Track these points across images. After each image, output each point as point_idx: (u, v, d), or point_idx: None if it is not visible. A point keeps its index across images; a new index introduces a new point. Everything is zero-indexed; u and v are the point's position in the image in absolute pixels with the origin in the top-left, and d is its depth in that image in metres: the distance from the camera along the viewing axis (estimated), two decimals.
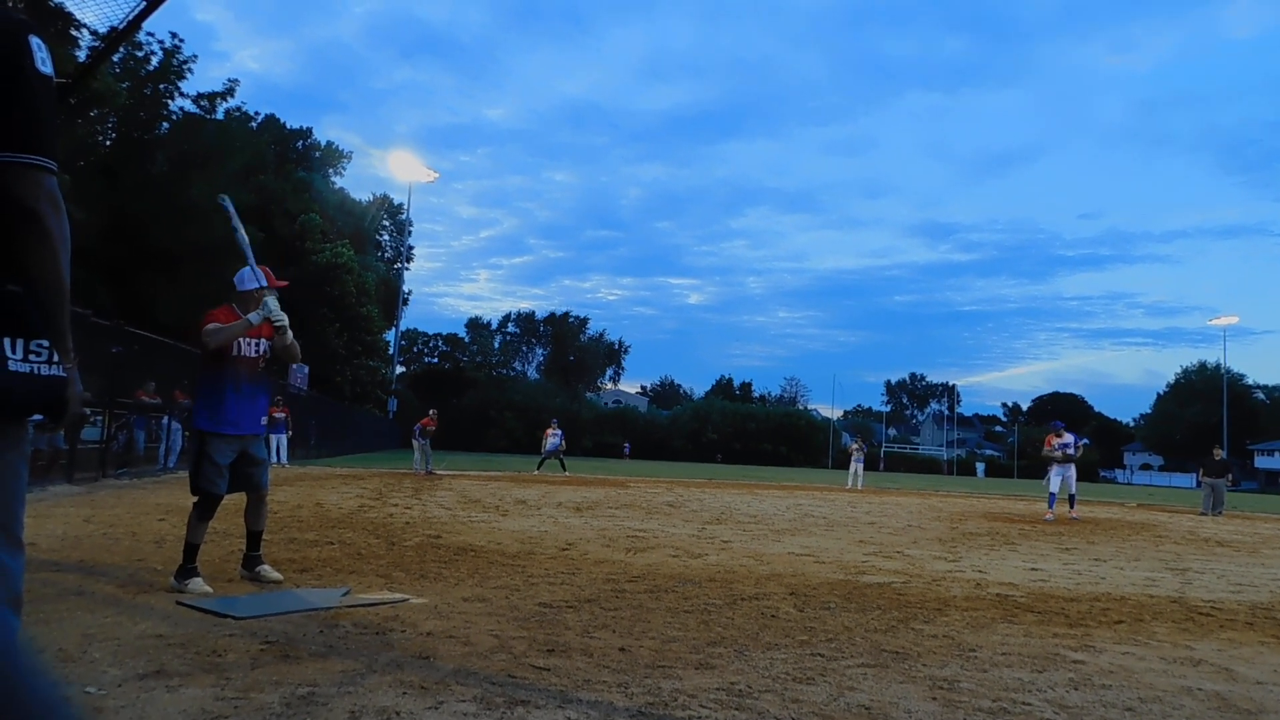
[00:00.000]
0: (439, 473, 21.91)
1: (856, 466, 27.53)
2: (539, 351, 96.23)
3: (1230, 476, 21.74)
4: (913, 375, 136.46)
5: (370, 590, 5.21)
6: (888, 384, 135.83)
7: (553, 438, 26.23)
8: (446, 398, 66.37)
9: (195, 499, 5.15)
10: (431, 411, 22.65)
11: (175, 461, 16.77)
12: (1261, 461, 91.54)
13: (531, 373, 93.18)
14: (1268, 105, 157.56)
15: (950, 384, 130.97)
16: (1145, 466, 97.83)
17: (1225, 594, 6.92)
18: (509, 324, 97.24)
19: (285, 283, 5.53)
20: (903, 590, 6.29)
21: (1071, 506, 16.19)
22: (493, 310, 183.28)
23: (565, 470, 25.70)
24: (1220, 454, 21.33)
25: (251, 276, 5.26)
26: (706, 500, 16.34)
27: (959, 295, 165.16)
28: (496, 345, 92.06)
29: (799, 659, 3.97)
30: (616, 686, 3.35)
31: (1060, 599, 6.23)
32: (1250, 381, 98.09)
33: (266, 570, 5.40)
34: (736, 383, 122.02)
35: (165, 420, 17.17)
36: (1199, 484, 22.12)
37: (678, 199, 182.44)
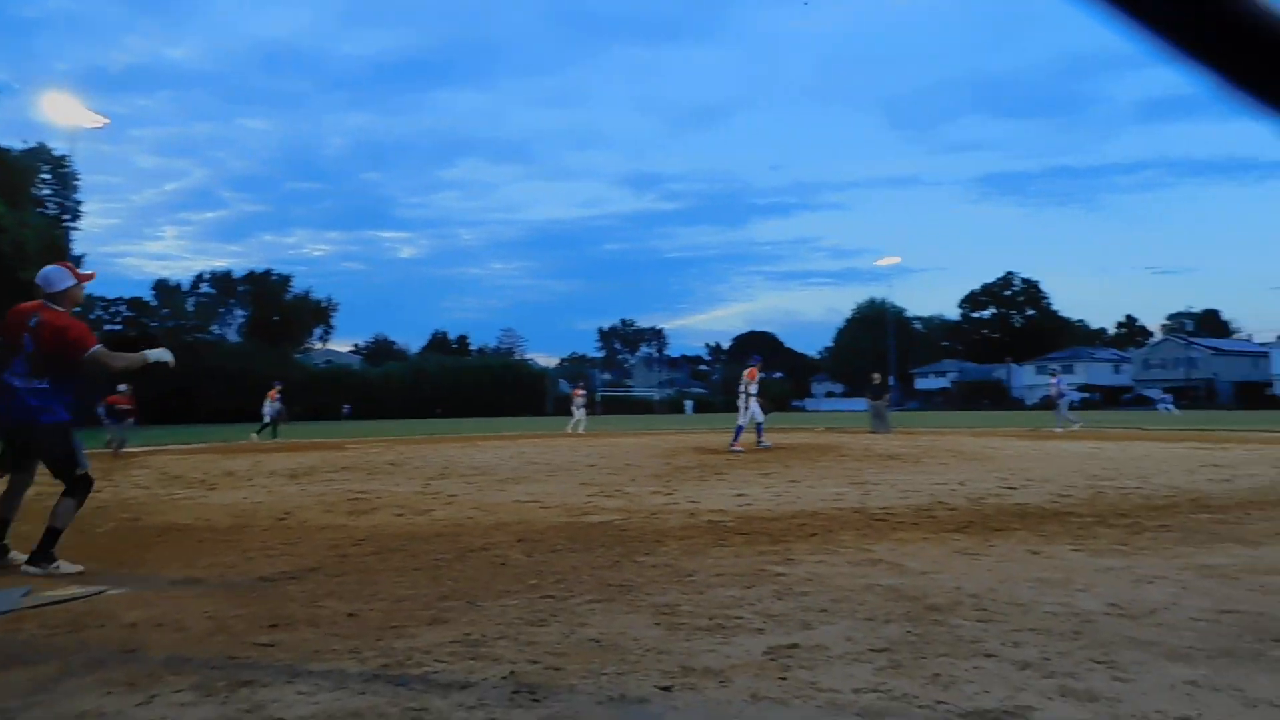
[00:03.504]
0: (126, 451, 19.41)
1: (578, 413, 28.38)
2: (239, 313, 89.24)
3: (886, 397, 24.61)
4: (624, 320, 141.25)
5: (58, 587, 4.70)
6: (600, 330, 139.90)
7: (274, 402, 24.77)
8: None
9: (79, 485, 5.26)
10: (121, 388, 19.24)
11: None
12: (921, 383, 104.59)
13: (232, 336, 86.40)
14: (924, 71, 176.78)
15: (658, 328, 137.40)
16: (830, 394, 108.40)
17: (896, 500, 7.92)
18: (202, 284, 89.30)
19: (93, 274, 5.70)
20: (624, 526, 6.63)
21: (735, 438, 16.81)
22: (184, 270, 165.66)
23: (276, 436, 24.16)
24: (876, 378, 24.04)
25: (64, 274, 5.37)
26: (429, 456, 16.14)
27: (665, 243, 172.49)
28: (190, 308, 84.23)
29: (530, 603, 4.09)
30: (348, 653, 3.30)
31: (763, 520, 6.85)
32: (910, 314, 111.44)
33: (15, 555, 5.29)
34: (453, 336, 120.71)
35: None
36: (868, 407, 24.90)
37: (386, 149, 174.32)
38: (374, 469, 13.07)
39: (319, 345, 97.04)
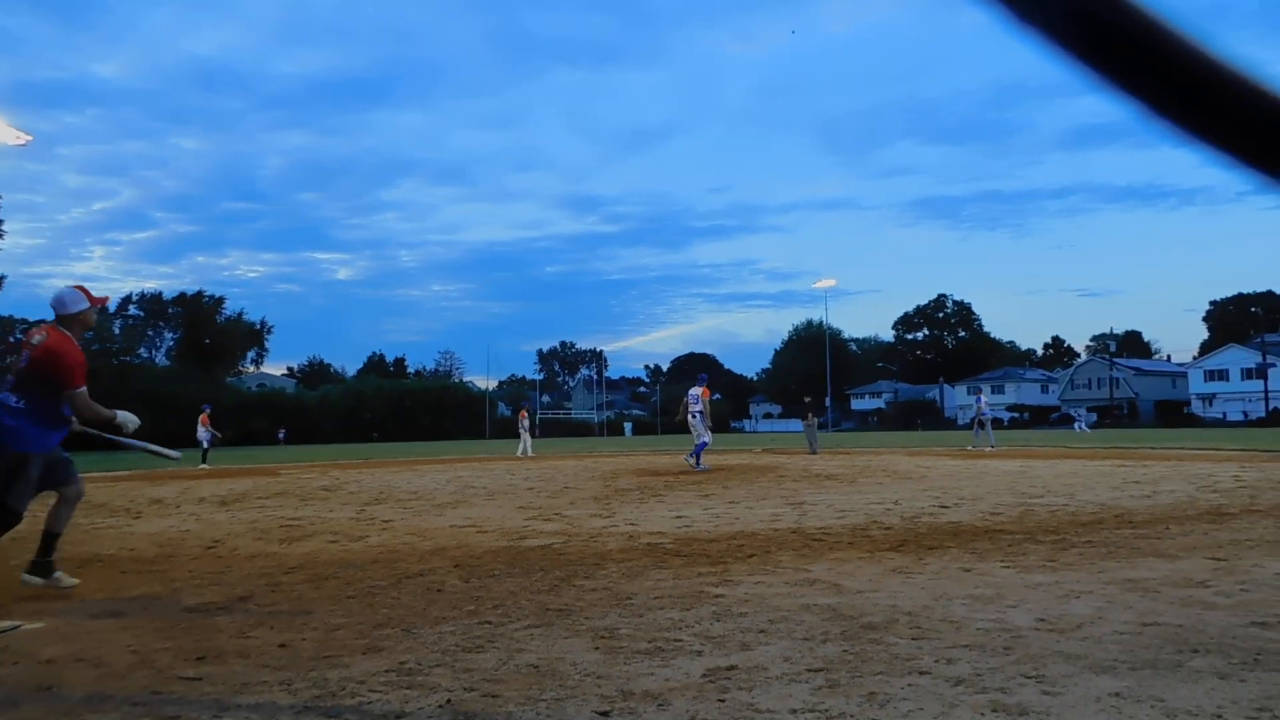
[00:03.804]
0: None
1: (525, 435, 28.33)
2: (169, 335, 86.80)
3: (813, 418, 25.26)
4: (563, 343, 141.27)
5: None
6: (540, 352, 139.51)
7: (207, 427, 24.05)
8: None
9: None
10: None
11: None
12: (857, 404, 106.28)
13: (161, 359, 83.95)
14: (858, 96, 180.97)
15: (599, 350, 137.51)
16: (768, 415, 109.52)
17: (832, 520, 8.00)
18: (131, 306, 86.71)
19: (106, 297, 5.64)
20: (563, 550, 6.59)
21: (697, 457, 16.77)
22: (112, 291, 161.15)
23: (204, 464, 23.37)
24: (808, 400, 24.85)
25: (78, 297, 5.30)
26: (365, 481, 15.87)
27: (606, 265, 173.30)
28: (117, 330, 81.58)
29: (468, 629, 4.04)
30: (279, 685, 3.21)
31: (702, 541, 6.87)
32: (846, 336, 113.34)
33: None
34: (390, 358, 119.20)
35: None
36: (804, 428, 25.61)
37: (324, 170, 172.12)
38: (308, 494, 12.81)
39: (252, 368, 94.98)
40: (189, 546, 7.31)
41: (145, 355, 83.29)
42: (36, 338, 5.21)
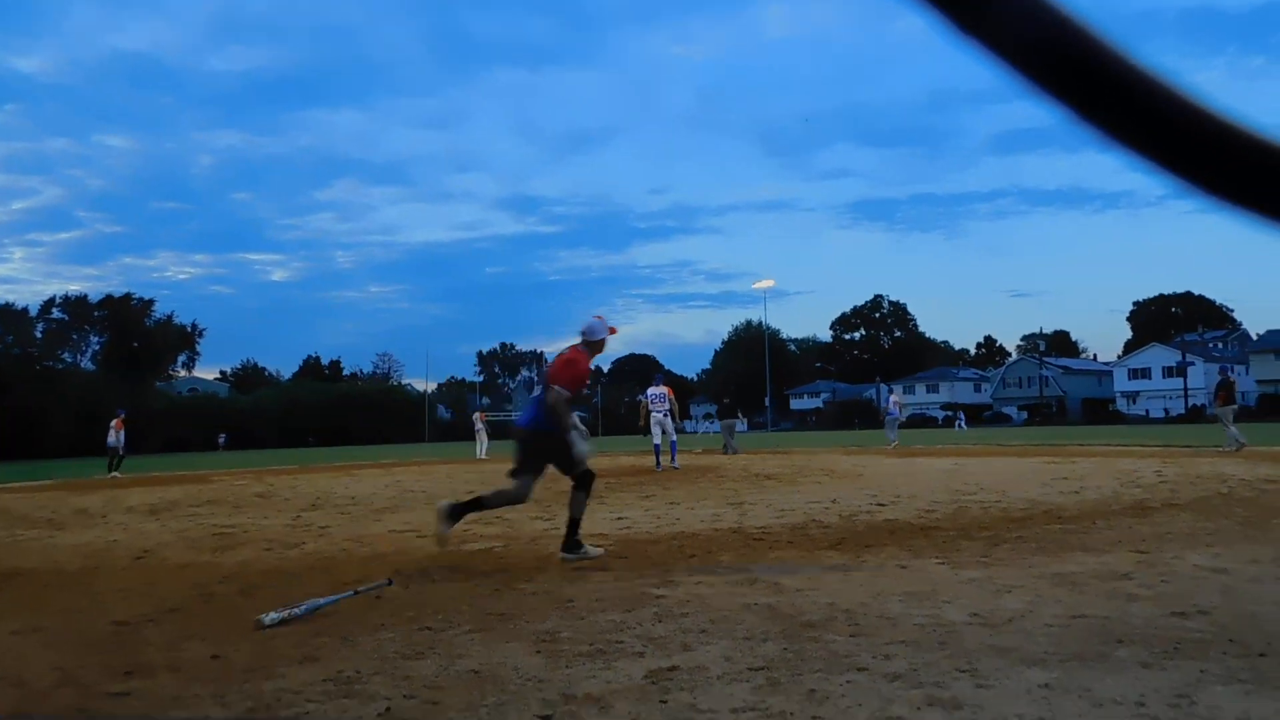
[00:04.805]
0: None
1: (482, 437, 28.26)
2: (94, 340, 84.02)
3: (730, 421, 25.66)
4: (503, 344, 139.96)
5: None
6: (480, 354, 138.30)
7: (120, 432, 23.13)
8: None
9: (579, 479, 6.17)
10: None
11: None
12: (796, 404, 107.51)
13: (87, 364, 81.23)
14: (797, 100, 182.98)
15: (539, 351, 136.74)
16: (708, 416, 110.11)
17: (772, 520, 8.09)
18: (53, 309, 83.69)
19: (615, 329, 6.48)
20: (504, 554, 6.56)
21: (673, 455, 17.35)
22: (33, 295, 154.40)
23: (116, 471, 22.01)
24: (726, 400, 25.39)
25: (602, 328, 6.36)
26: (300, 487, 15.57)
27: (545, 266, 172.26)
28: (39, 334, 78.68)
29: (407, 635, 3.99)
30: (211, 698, 3.14)
31: (644, 543, 6.88)
32: (785, 336, 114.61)
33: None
34: (325, 361, 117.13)
35: None
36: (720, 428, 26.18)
37: (257, 169, 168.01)
38: (241, 502, 12.52)
39: (182, 372, 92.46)
40: (116, 557, 7.09)
41: (70, 360, 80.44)
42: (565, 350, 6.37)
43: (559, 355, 6.36)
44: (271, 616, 4.26)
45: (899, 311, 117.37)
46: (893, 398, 28.51)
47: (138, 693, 3.24)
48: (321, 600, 4.56)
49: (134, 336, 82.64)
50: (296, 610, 4.38)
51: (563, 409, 6.03)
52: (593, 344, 6.38)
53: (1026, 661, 3.28)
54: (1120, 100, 0.47)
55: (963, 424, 65.80)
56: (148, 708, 3.06)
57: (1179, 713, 2.70)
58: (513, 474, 6.17)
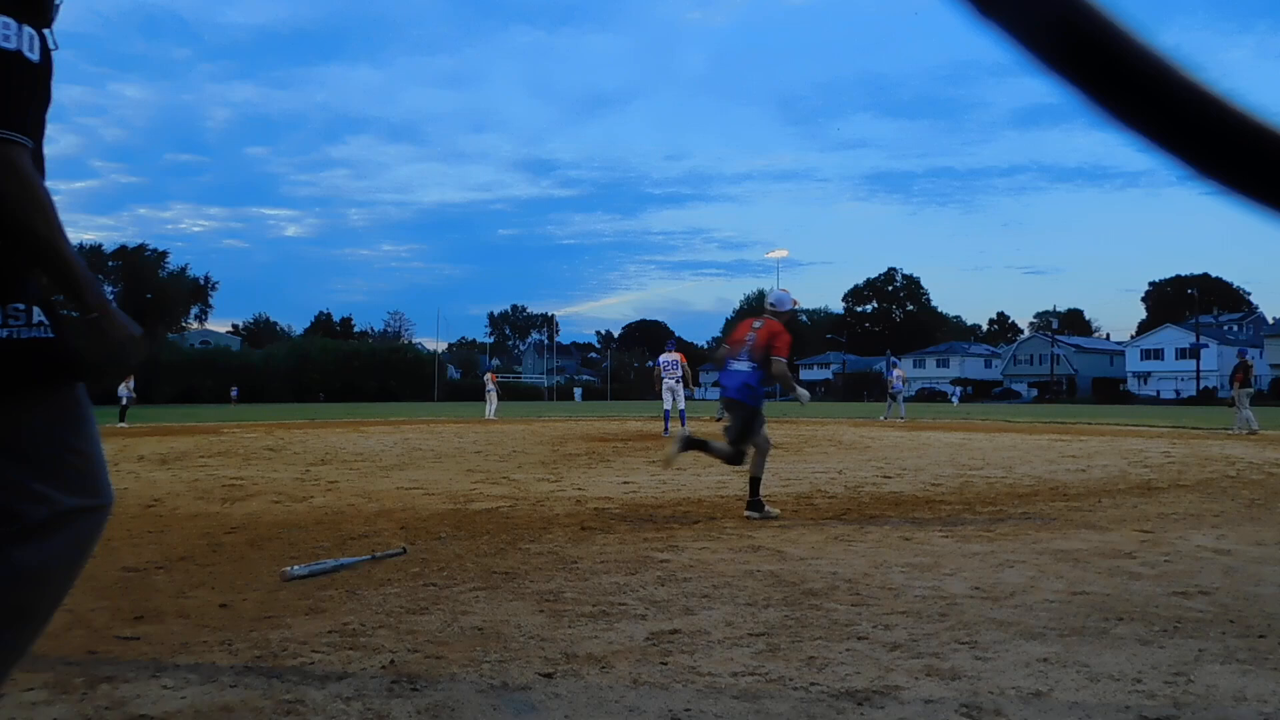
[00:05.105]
0: None
1: (493, 398, 28.24)
2: (109, 289, 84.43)
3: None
4: (514, 306, 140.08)
5: None
6: (491, 315, 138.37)
7: (129, 384, 23.32)
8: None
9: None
10: None
11: None
12: (805, 374, 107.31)
13: None
14: (816, 68, 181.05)
15: (550, 314, 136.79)
16: (716, 384, 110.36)
17: (777, 489, 8.10)
18: None
19: (797, 300, 7.14)
20: (510, 513, 6.60)
21: (682, 422, 17.46)
22: None
23: (123, 422, 22.33)
24: None
25: (788, 299, 6.98)
26: (310, 442, 15.68)
27: (559, 229, 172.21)
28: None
29: (412, 591, 4.04)
30: (219, 645, 3.19)
31: (649, 507, 6.93)
32: (797, 307, 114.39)
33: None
34: (337, 318, 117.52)
35: None
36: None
37: (273, 123, 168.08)
38: (251, 454, 12.64)
39: (195, 325, 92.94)
40: (127, 505, 7.17)
41: None
42: (757, 323, 6.71)
43: (755, 329, 6.63)
44: (298, 570, 4.32)
45: (912, 285, 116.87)
46: (896, 371, 27.91)
47: (147, 637, 3.29)
48: (346, 560, 4.61)
49: (147, 287, 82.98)
50: (322, 566, 4.44)
51: (788, 375, 6.61)
52: (780, 314, 6.81)
53: (1026, 635, 3.30)
54: (1131, 85, 0.47)
55: (956, 399, 70.87)
56: (156, 652, 3.11)
57: (1175, 690, 2.71)
58: (733, 442, 6.57)
